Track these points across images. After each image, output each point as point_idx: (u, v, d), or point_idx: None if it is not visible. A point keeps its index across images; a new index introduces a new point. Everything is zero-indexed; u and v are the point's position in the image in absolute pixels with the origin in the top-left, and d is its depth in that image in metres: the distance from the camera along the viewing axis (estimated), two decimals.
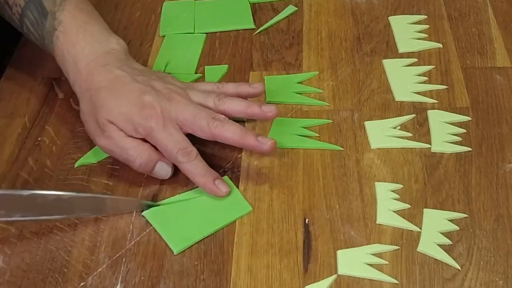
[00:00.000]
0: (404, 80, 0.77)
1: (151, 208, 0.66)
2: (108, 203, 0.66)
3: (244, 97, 0.71)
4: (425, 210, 0.65)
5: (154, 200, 0.67)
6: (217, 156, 0.70)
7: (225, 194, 0.66)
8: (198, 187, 0.67)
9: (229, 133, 0.66)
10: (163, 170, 0.67)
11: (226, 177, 0.68)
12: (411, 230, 0.63)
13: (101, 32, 0.71)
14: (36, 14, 0.71)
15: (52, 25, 0.70)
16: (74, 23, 0.70)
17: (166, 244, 0.63)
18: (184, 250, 0.63)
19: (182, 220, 0.65)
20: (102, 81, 0.68)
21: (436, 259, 0.61)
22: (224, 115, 0.67)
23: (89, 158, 0.71)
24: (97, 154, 0.71)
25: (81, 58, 0.69)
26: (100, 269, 0.62)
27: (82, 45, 0.69)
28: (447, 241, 0.62)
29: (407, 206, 0.65)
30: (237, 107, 0.68)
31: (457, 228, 0.63)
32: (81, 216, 0.66)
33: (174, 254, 0.63)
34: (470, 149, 0.70)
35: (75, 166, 0.70)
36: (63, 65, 0.71)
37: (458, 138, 0.71)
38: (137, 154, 0.66)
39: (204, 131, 0.66)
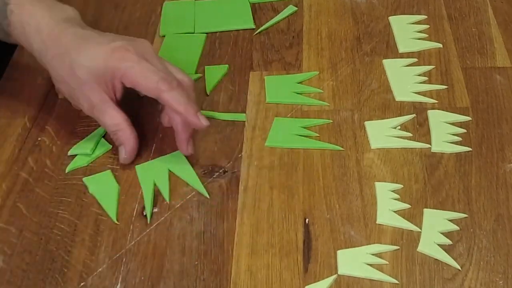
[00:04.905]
0: (404, 80, 0.77)
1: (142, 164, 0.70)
2: None
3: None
4: (425, 210, 0.65)
5: (154, 202, 0.67)
6: (217, 155, 0.70)
7: (205, 126, 0.66)
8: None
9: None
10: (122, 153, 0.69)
11: None
12: (411, 230, 0.63)
13: (54, 2, 0.71)
14: None
15: (2, 1, 0.69)
16: None
17: (166, 244, 0.63)
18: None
19: None
20: (69, 41, 0.67)
21: (436, 259, 0.61)
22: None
23: (78, 161, 0.71)
24: (86, 157, 0.71)
25: (43, 27, 0.68)
26: (100, 269, 0.62)
27: (40, 14, 0.68)
28: (447, 241, 0.62)
29: (407, 206, 0.65)
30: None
31: (457, 228, 0.63)
32: None
33: None
34: (470, 149, 0.70)
35: (66, 171, 0.70)
36: (24, 38, 0.69)
37: (458, 138, 0.71)
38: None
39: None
